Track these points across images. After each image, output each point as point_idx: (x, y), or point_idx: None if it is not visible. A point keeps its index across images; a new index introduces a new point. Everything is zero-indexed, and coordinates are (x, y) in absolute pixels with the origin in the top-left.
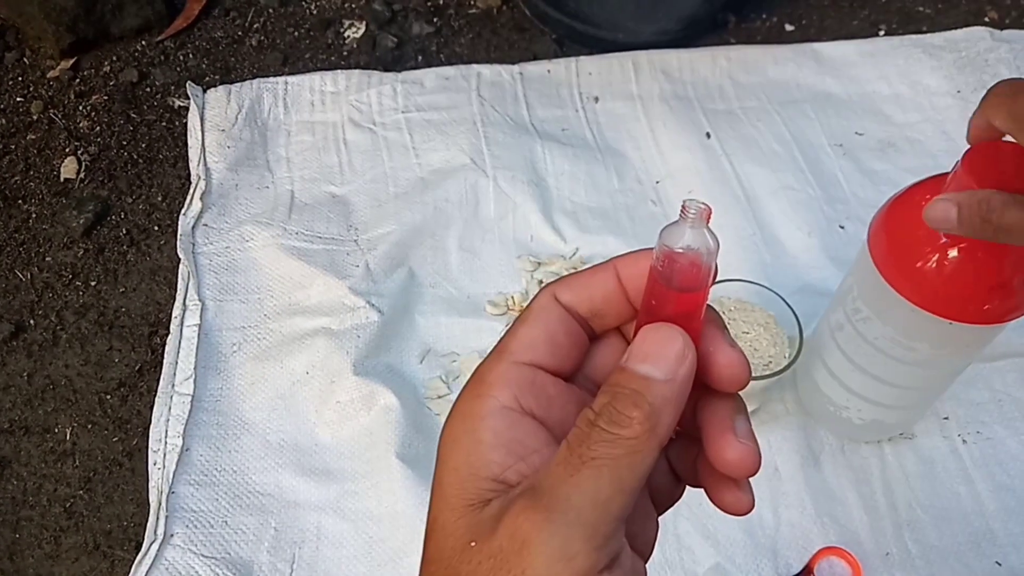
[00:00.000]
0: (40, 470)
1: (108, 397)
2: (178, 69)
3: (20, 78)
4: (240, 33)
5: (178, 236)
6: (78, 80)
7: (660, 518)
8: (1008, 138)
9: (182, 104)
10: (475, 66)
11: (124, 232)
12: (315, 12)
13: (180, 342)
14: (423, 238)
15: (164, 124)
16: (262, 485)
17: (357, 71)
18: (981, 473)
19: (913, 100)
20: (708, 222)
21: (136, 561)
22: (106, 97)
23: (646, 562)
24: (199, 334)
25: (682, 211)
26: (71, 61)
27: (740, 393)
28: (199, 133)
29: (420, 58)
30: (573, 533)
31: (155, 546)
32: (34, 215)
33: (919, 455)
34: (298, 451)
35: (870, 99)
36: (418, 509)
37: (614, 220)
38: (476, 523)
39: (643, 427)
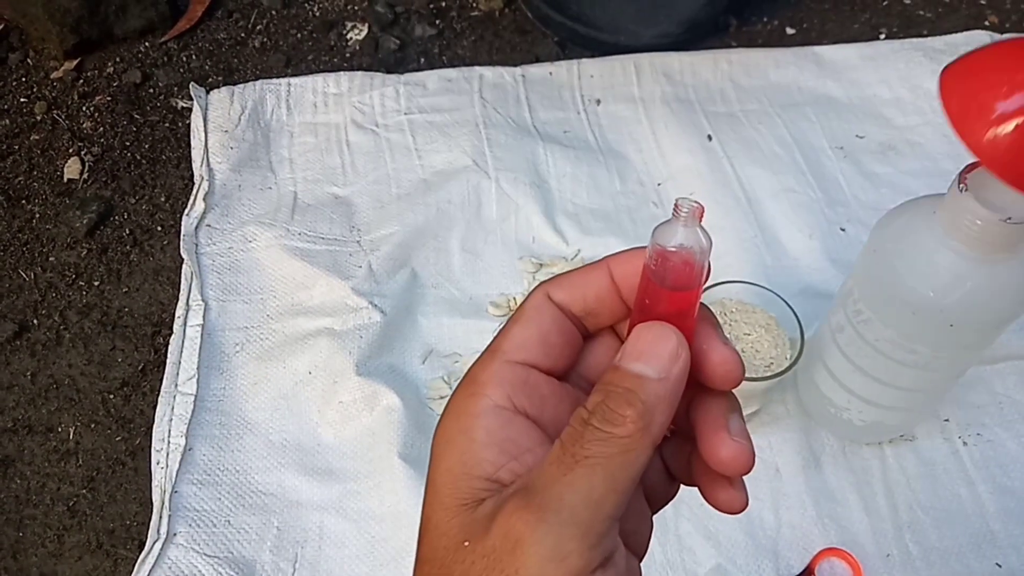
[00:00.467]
0: (43, 469)
1: (111, 397)
2: (181, 70)
3: (24, 79)
4: (243, 35)
5: (181, 236)
6: (82, 81)
7: (661, 517)
8: None
9: (185, 105)
10: (477, 68)
11: (127, 232)
12: (318, 14)
13: (183, 342)
14: (425, 239)
15: (167, 125)
16: (265, 485)
17: (360, 73)
18: (982, 475)
19: (914, 103)
20: (701, 220)
21: (139, 560)
22: (109, 98)
23: (641, 560)
24: (202, 334)
25: (675, 210)
26: (75, 62)
27: (742, 395)
28: (202, 134)
29: (422, 60)
30: (566, 532)
31: (158, 545)
32: (38, 215)
33: (920, 457)
34: (301, 451)
35: (871, 102)
36: (420, 509)
37: (616, 222)
38: (469, 523)
39: (636, 425)
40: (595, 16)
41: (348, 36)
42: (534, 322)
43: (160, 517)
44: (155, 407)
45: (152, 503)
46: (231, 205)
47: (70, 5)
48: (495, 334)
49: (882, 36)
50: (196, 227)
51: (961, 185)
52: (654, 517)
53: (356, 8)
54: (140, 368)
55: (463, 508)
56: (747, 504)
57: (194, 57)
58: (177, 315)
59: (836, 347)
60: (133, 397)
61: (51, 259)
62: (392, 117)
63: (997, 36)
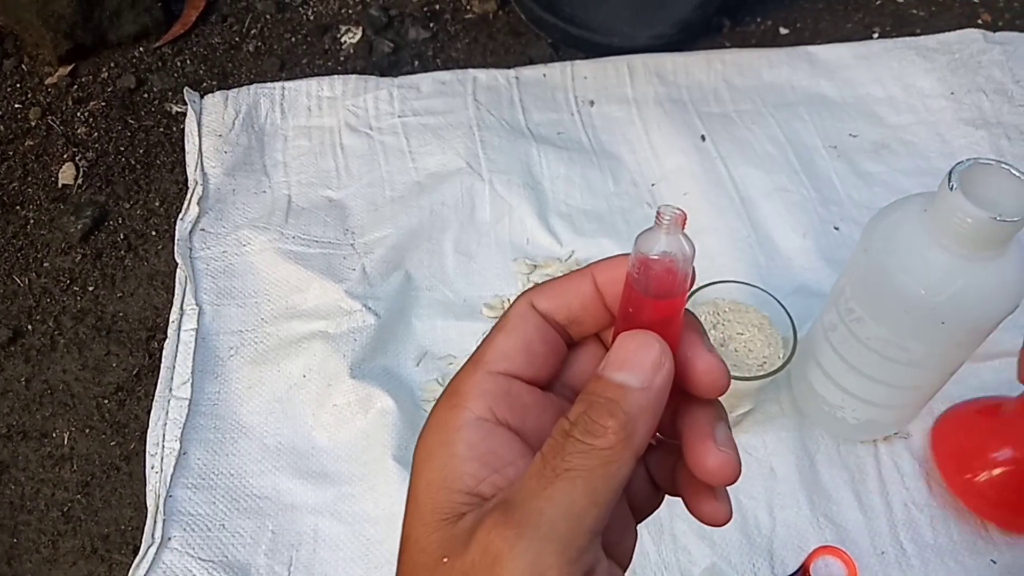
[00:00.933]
0: (38, 474)
1: (106, 401)
2: (176, 75)
3: (18, 84)
4: (237, 39)
5: (175, 241)
6: (76, 86)
7: (655, 517)
8: None
9: (179, 110)
10: (471, 70)
11: (122, 237)
12: (312, 18)
13: (177, 346)
14: (419, 242)
15: (162, 130)
16: (259, 488)
17: (354, 76)
18: None
19: (907, 102)
20: (683, 228)
21: (134, 565)
22: (104, 103)
23: (624, 571)
24: (196, 338)
25: (657, 217)
26: (69, 67)
27: (735, 394)
28: (196, 138)
29: (416, 63)
30: (545, 548)
31: (152, 550)
32: (32, 221)
33: (914, 454)
34: (295, 454)
35: (864, 101)
36: None
37: (609, 223)
38: (449, 538)
39: (618, 437)
40: (588, 18)
41: (342, 40)
42: (518, 331)
43: (155, 521)
44: (149, 411)
45: (147, 508)
46: (225, 209)
47: (64, 11)
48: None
49: (875, 35)
50: (190, 231)
51: (951, 184)
52: (640, 523)
53: (350, 12)
54: (134, 373)
55: (443, 523)
56: (731, 516)
57: (188, 62)
58: (171, 319)
59: (829, 345)
60: (127, 402)
61: (45, 264)
62: (386, 120)
63: (990, 35)
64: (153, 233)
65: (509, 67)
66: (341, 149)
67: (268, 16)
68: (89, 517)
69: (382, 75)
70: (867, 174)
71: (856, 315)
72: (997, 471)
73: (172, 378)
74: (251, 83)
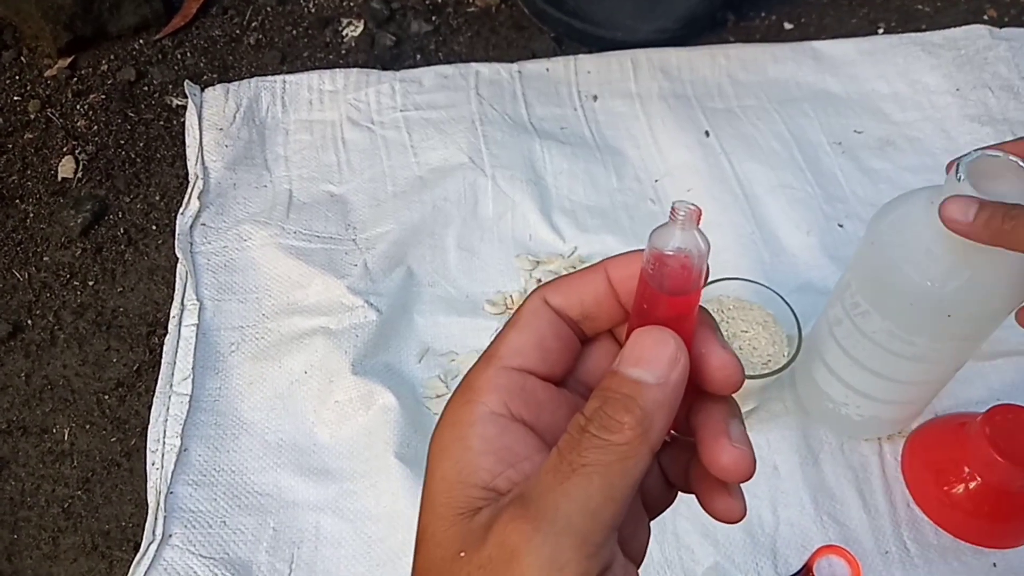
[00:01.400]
0: (38, 471)
1: (106, 397)
2: (176, 68)
3: (17, 77)
4: (238, 32)
5: (176, 235)
6: (76, 79)
7: (659, 516)
8: None
9: (180, 103)
10: (474, 64)
11: (122, 231)
12: (313, 11)
13: (178, 342)
14: (421, 237)
15: (162, 123)
16: (260, 485)
17: (355, 70)
18: None
19: (912, 98)
20: (698, 224)
21: (134, 561)
22: (104, 96)
23: (638, 567)
24: (197, 334)
25: (672, 213)
26: (68, 60)
27: (739, 393)
28: (197, 132)
29: (418, 56)
30: (563, 542)
31: (153, 546)
32: (32, 215)
33: None
34: (296, 451)
35: (869, 97)
36: (416, 509)
37: (613, 219)
38: (466, 532)
39: (634, 432)
40: (592, 12)
41: (344, 33)
42: (531, 327)
43: (155, 518)
44: (150, 407)
45: (147, 504)
46: (226, 203)
47: (64, 2)
48: (493, 336)
49: (880, 31)
50: (191, 226)
51: (959, 175)
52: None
53: (352, 4)
54: (135, 368)
55: (459, 517)
56: (744, 514)
57: (189, 54)
58: (172, 315)
59: (834, 340)
60: (128, 397)
61: (45, 259)
62: (388, 114)
63: (996, 31)
64: (153, 227)
65: (512, 61)
66: (343, 143)
67: (269, 9)
68: (90, 513)
69: (384, 69)
70: (872, 171)
71: (862, 309)
72: (959, 488)
73: (173, 374)
74: (252, 76)
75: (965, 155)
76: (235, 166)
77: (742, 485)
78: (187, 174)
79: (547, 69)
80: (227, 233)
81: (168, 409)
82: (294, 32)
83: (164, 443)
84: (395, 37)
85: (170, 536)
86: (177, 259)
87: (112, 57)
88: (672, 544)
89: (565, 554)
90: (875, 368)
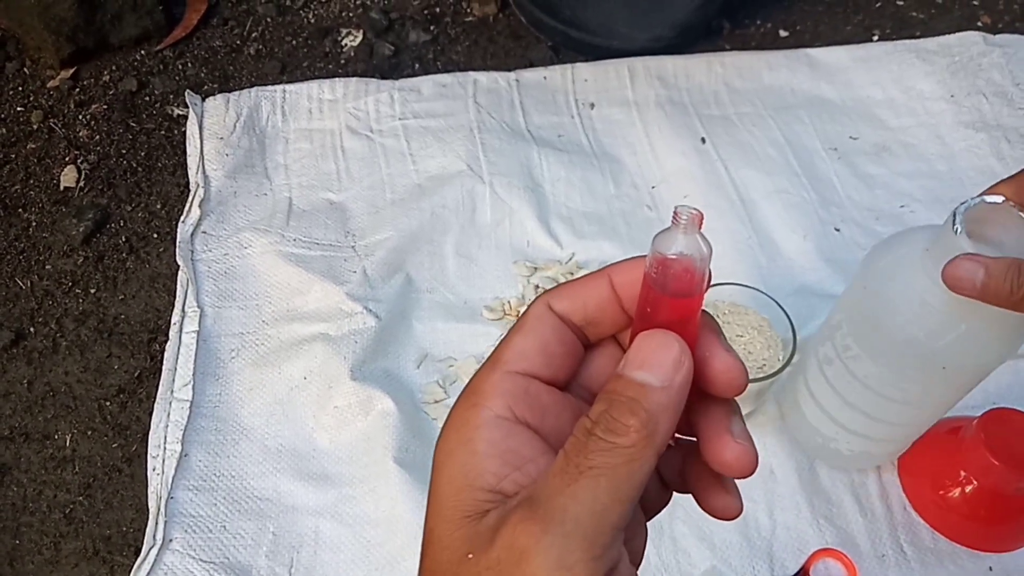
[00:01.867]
0: (40, 476)
1: (107, 403)
2: (177, 78)
3: (20, 88)
4: (238, 42)
5: (177, 243)
6: (78, 89)
7: (655, 520)
8: None
9: (181, 113)
10: (472, 73)
11: (123, 240)
12: (313, 21)
13: (179, 348)
14: (420, 244)
15: (163, 133)
16: (260, 490)
17: (354, 79)
18: None
19: (907, 104)
20: (700, 227)
21: (135, 566)
22: (105, 106)
23: (637, 568)
24: (198, 340)
25: (674, 217)
26: (71, 71)
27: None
28: (198, 141)
29: (417, 66)
30: (571, 544)
31: (154, 551)
32: (34, 223)
33: None
34: (296, 456)
35: (864, 104)
36: (415, 514)
37: (610, 225)
38: (473, 535)
39: (640, 435)
40: (588, 20)
41: (343, 43)
42: (535, 332)
43: (156, 523)
44: (151, 413)
45: (148, 509)
46: (226, 211)
47: (66, 14)
48: (496, 342)
49: (875, 38)
50: (192, 234)
51: (956, 226)
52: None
53: (351, 15)
54: (136, 375)
55: (466, 520)
56: (742, 510)
57: (190, 65)
58: (173, 321)
59: (824, 379)
60: (129, 404)
61: (47, 267)
62: (387, 123)
63: (990, 37)
64: (155, 235)
65: (509, 70)
66: (342, 152)
67: (269, 19)
68: (91, 519)
69: (383, 78)
70: (867, 176)
71: (853, 352)
72: (955, 492)
73: (173, 380)
74: (252, 86)
75: (963, 203)
76: (235, 174)
77: (738, 485)
78: (188, 183)
79: (544, 77)
80: (228, 241)
81: (169, 415)
82: (294, 42)
83: (165, 448)
84: (394, 47)
85: (171, 541)
86: (178, 267)
87: (114, 68)
88: (669, 548)
89: (573, 555)
90: (866, 409)
